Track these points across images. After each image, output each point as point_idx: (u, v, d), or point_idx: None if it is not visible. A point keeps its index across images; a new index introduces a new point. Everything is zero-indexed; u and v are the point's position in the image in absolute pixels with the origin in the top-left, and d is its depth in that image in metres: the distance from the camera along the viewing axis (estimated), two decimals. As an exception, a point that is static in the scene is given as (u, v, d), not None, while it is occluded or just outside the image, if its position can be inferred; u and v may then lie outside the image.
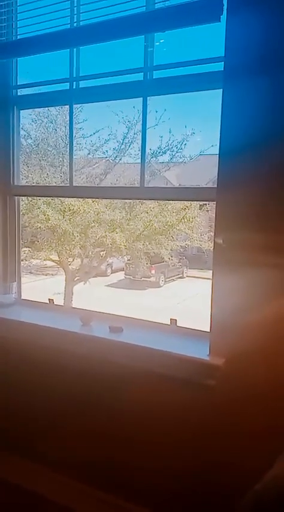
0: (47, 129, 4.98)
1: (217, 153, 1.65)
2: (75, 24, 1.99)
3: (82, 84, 2.11)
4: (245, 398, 1.68)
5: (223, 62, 1.61)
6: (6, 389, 2.34)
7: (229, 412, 1.72)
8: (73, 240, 5.08)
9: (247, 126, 1.59)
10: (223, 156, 1.64)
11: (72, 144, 2.23)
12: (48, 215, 4.90)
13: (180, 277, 6.54)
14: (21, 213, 2.49)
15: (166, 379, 1.82)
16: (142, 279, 6.24)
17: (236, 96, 1.60)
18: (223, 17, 1.59)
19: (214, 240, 1.69)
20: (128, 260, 6.14)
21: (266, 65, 1.54)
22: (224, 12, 1.58)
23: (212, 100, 1.79)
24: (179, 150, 4.57)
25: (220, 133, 1.63)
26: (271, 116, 1.55)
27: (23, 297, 2.48)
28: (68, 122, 2.30)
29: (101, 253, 5.44)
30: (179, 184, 4.85)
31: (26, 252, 5.23)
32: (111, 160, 5.05)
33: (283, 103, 1.52)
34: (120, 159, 4.96)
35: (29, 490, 2.18)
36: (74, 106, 2.22)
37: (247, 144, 1.59)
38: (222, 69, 1.62)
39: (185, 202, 4.41)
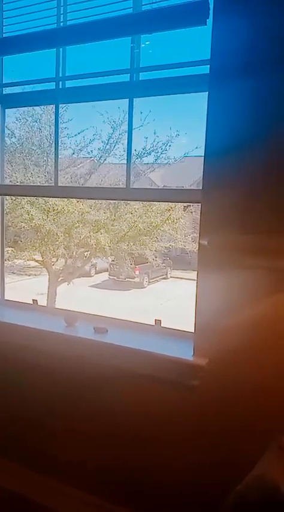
0: (31, 128, 4.94)
1: (202, 155, 1.66)
2: (61, 23, 1.98)
3: (69, 84, 2.11)
4: (229, 398, 1.69)
5: (209, 65, 1.63)
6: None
7: (213, 412, 1.73)
8: (57, 240, 5.05)
9: (232, 128, 1.61)
10: (208, 157, 1.65)
11: (58, 144, 2.22)
12: (31, 215, 4.87)
13: (164, 278, 6.57)
14: (4, 212, 2.46)
15: (150, 380, 1.82)
16: (126, 279, 6.24)
17: (222, 98, 1.61)
18: (209, 20, 1.61)
19: (198, 242, 1.70)
20: (112, 261, 6.13)
21: (251, 68, 1.55)
22: (211, 15, 1.60)
23: (197, 102, 1.80)
24: (164, 152, 4.60)
25: (206, 136, 1.65)
26: (255, 119, 1.57)
27: (6, 298, 2.46)
28: (53, 122, 2.29)
29: (85, 253, 5.43)
30: (163, 186, 4.86)
31: (9, 252, 5.17)
32: (95, 161, 5.04)
33: (268, 106, 1.54)
34: (105, 159, 4.96)
35: (19, 493, 2.16)
36: (59, 105, 2.21)
37: (232, 146, 1.60)
38: (208, 72, 1.63)
39: (170, 203, 4.43)
